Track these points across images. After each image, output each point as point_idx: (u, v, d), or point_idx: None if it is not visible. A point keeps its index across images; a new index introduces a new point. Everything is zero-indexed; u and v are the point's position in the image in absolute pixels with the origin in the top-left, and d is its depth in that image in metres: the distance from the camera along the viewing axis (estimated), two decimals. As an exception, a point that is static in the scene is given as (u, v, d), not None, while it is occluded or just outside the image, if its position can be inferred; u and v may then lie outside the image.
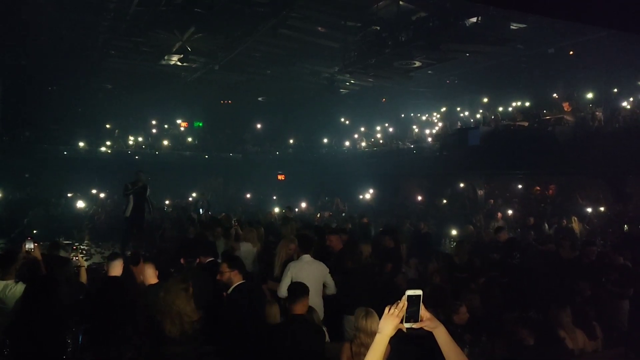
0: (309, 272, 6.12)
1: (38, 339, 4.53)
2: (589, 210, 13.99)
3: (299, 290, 4.76)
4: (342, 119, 27.25)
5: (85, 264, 7.04)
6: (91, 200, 18.83)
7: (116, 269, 5.79)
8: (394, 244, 8.91)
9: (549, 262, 8.39)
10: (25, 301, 4.76)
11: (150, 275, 5.57)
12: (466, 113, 22.50)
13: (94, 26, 15.28)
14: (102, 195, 19.30)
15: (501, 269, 8.21)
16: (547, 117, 16.61)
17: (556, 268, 7.83)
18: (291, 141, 27.77)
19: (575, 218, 12.89)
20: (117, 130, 24.53)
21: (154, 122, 25.77)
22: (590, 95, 16.34)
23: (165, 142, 24.90)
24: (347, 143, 25.86)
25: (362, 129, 25.99)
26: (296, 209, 17.23)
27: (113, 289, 4.94)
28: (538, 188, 17.45)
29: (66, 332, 4.81)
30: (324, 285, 6.26)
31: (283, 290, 5.96)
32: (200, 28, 14.53)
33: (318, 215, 16.29)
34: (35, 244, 6.10)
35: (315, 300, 6.03)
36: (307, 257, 6.28)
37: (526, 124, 16.44)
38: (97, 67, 18.95)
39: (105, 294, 4.93)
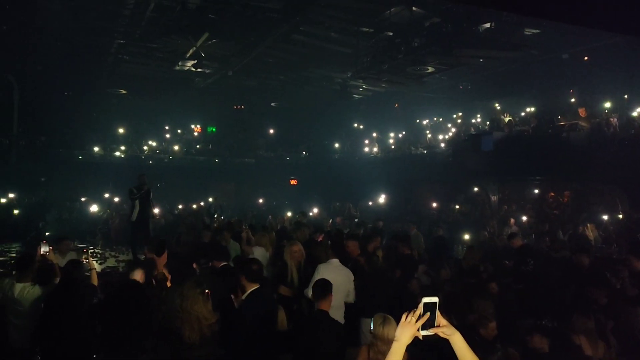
0: (337, 276, 6.15)
1: (64, 340, 4.60)
2: (605, 217, 13.84)
3: (326, 286, 4.91)
4: (355, 125, 27.25)
5: (97, 266, 7.12)
6: (105, 204, 18.99)
7: (137, 276, 5.86)
8: (408, 250, 8.88)
9: (563, 269, 8.31)
10: (50, 303, 4.84)
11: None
12: (479, 118, 22.39)
13: (109, 32, 15.47)
14: (116, 199, 19.45)
15: (515, 275, 8.15)
16: (562, 123, 16.48)
17: (571, 275, 7.75)
18: (297, 145, 27.83)
19: (590, 225, 12.75)
20: (131, 135, 24.71)
21: (167, 127, 25.96)
22: (606, 102, 16.19)
23: (179, 147, 25.05)
24: (361, 148, 25.83)
25: (374, 134, 25.97)
26: (310, 214, 17.24)
27: (129, 292, 4.98)
28: (552, 194, 17.29)
29: (89, 332, 4.90)
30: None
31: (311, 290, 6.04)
32: (214, 34, 14.63)
33: (330, 221, 16.29)
34: (50, 248, 6.19)
35: (337, 304, 6.08)
36: (336, 262, 6.39)
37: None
38: (111, 73, 19.15)
39: (122, 297, 4.96)
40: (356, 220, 17.06)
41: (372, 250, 8.63)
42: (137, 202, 11.98)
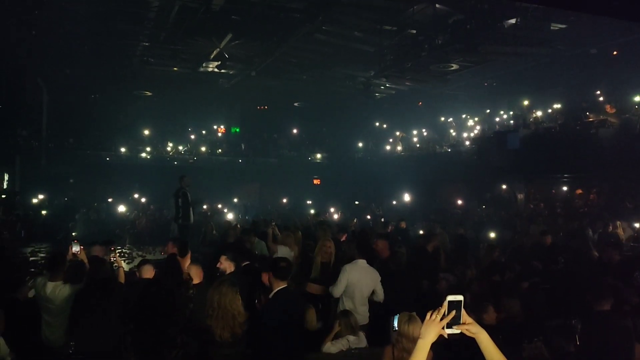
0: (363, 276, 6.21)
1: (95, 337, 4.73)
2: (636, 215, 13.53)
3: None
4: (378, 123, 27.17)
5: (124, 265, 7.26)
6: (132, 204, 19.29)
7: (148, 273, 5.99)
8: (433, 249, 8.84)
9: (593, 268, 8.17)
10: (79, 301, 4.97)
11: (195, 275, 5.71)
12: (505, 116, 22.12)
13: (134, 35, 15.72)
14: (143, 200, 19.74)
15: (544, 274, 8.05)
16: (590, 119, 16.18)
17: (600, 274, 7.61)
18: (320, 144, 27.86)
19: (620, 223, 12.50)
20: (156, 136, 25.04)
21: (191, 128, 26.24)
22: (636, 97, 15.84)
23: (203, 148, 25.30)
24: (384, 147, 25.74)
25: (398, 133, 25.86)
26: (335, 215, 17.25)
27: (158, 290, 5.08)
28: (581, 192, 17.00)
29: (120, 329, 5.02)
30: (373, 292, 6.29)
31: (338, 291, 6.11)
32: (237, 35, 14.76)
33: (355, 221, 16.27)
34: (81, 247, 6.33)
35: (362, 307, 6.14)
36: (362, 262, 6.34)
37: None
38: (137, 75, 19.44)
39: (151, 295, 5.07)
40: (382, 219, 17.00)
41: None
42: (185, 203, 12.28)
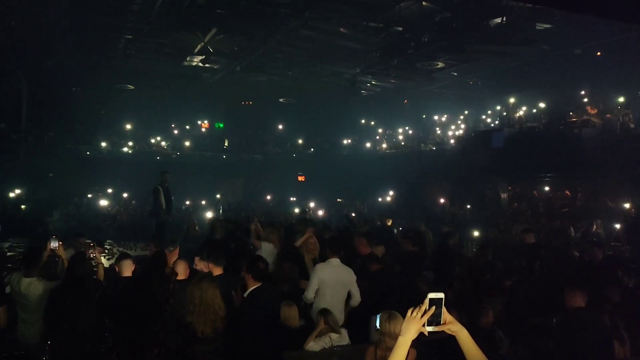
0: (336, 276, 6.07)
1: (72, 335, 4.67)
2: (617, 214, 13.73)
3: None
4: (363, 120, 27.21)
5: (104, 261, 7.19)
6: (113, 199, 19.10)
7: (127, 268, 5.93)
8: (415, 247, 8.84)
9: (575, 267, 8.27)
10: (54, 298, 4.91)
11: (181, 272, 5.64)
12: (490, 115, 22.28)
13: (117, 28, 15.51)
14: (124, 195, 19.56)
15: (526, 273, 8.13)
16: (574, 119, 16.36)
17: (582, 273, 7.71)
18: (305, 141, 27.85)
19: (600, 222, 12.67)
20: (138, 131, 24.82)
21: (175, 123, 26.06)
22: (619, 98, 16.05)
23: (187, 143, 25.15)
24: (368, 144, 25.79)
25: (380, 130, 25.92)
26: (320, 212, 17.24)
27: (139, 286, 5.04)
28: (567, 192, 17.19)
29: (98, 327, 4.97)
30: (349, 294, 6.17)
31: (309, 295, 5.98)
32: (222, 29, 14.64)
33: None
34: (60, 243, 6.24)
35: (337, 306, 6.02)
36: (335, 261, 6.19)
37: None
38: (119, 68, 19.23)
39: (132, 292, 5.02)
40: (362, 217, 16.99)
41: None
42: (163, 200, 12.33)
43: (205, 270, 6.02)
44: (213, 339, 4.62)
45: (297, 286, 6.62)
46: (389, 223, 13.21)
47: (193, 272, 6.00)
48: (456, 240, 8.89)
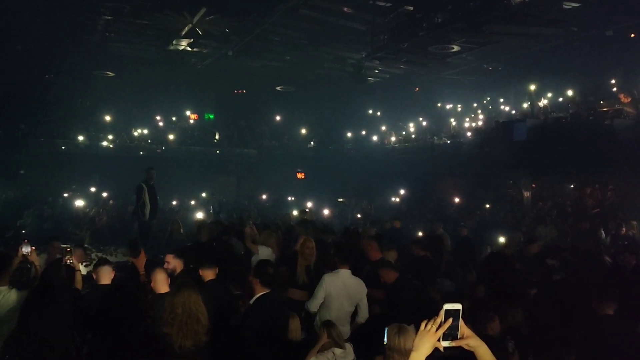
0: (345, 290, 6.08)
1: (44, 350, 4.66)
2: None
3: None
4: (370, 111, 27.18)
5: (82, 268, 7.18)
6: (91, 199, 19.10)
7: (106, 275, 5.93)
8: (426, 252, 8.84)
9: (605, 274, 8.26)
10: (29, 309, 4.89)
11: (161, 282, 5.60)
12: (511, 104, 22.26)
13: (95, 7, 15.50)
14: (104, 194, 19.57)
15: (544, 282, 8.12)
16: (605, 109, 16.33)
17: (614, 280, 7.70)
18: (305, 134, 27.85)
19: (636, 224, 12.66)
20: (119, 123, 24.81)
21: (160, 114, 26.05)
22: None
23: (173, 136, 25.15)
24: (374, 138, 25.77)
25: (389, 122, 25.90)
26: (325, 211, 17.29)
27: (118, 297, 5.03)
28: (593, 189, 17.17)
29: (72, 339, 4.94)
30: (357, 307, 6.19)
31: (314, 306, 6.00)
32: (212, 9, 14.63)
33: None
34: (33, 248, 6.22)
35: (343, 318, 6.02)
36: (345, 272, 6.18)
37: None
38: (98, 53, 19.21)
39: (110, 302, 5.01)
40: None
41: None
42: (147, 199, 12.36)
43: (178, 269, 6.18)
44: (193, 353, 4.57)
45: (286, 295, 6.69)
46: (398, 225, 13.24)
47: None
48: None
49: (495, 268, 8.23)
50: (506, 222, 15.48)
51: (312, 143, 27.89)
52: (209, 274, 5.93)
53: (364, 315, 6.18)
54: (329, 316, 5.89)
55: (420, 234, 13.09)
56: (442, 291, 7.89)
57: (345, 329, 6.03)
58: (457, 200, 19.38)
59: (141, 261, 6.27)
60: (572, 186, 18.06)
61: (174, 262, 6.28)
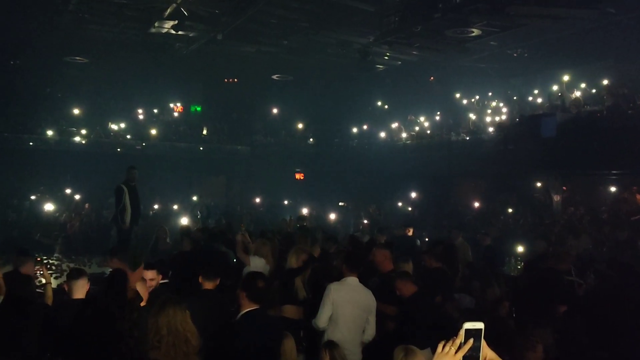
0: (354, 299, 6.12)
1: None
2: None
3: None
4: (378, 103, 27.18)
5: (52, 281, 7.20)
6: (62, 202, 19.11)
7: (80, 289, 5.93)
8: (440, 263, 8.84)
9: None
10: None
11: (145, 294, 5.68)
12: (538, 96, 22.23)
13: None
14: (76, 197, 19.57)
15: (585, 295, 8.12)
16: (646, 102, 16.34)
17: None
18: (304, 129, 27.86)
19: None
20: (94, 116, 24.79)
21: (140, 106, 26.02)
22: None
23: (155, 131, 25.15)
24: (383, 134, 25.77)
25: (394, 117, 25.89)
26: (332, 216, 17.33)
27: (95, 312, 5.03)
28: (632, 192, 17.18)
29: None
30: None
31: (323, 320, 6.02)
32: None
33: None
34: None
35: (353, 337, 6.05)
36: (353, 280, 6.25)
37: None
38: (70, 37, 19.19)
39: (85, 319, 5.01)
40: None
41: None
42: (128, 203, 12.38)
43: (155, 282, 6.31)
44: None
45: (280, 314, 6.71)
46: (410, 232, 13.25)
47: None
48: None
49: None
50: (533, 230, 15.47)
51: (312, 139, 27.86)
52: (207, 284, 6.09)
53: (371, 332, 6.21)
54: (339, 332, 5.96)
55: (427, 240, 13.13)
56: (461, 308, 7.90)
57: (357, 348, 6.07)
58: (476, 204, 19.38)
59: (137, 276, 6.23)
60: (609, 189, 18.04)
61: (149, 275, 6.33)
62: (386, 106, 27.00)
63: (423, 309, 6.48)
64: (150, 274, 6.39)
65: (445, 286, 8.38)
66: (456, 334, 2.31)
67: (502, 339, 5.71)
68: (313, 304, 6.56)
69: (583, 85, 19.85)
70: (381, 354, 6.00)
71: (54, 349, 5.22)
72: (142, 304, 5.67)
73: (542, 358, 5.50)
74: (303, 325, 6.69)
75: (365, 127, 27.07)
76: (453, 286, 8.86)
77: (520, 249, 13.10)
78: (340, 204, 22.22)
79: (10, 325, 5.01)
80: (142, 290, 5.86)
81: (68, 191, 20.10)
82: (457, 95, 25.10)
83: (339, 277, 6.48)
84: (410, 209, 20.93)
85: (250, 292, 5.21)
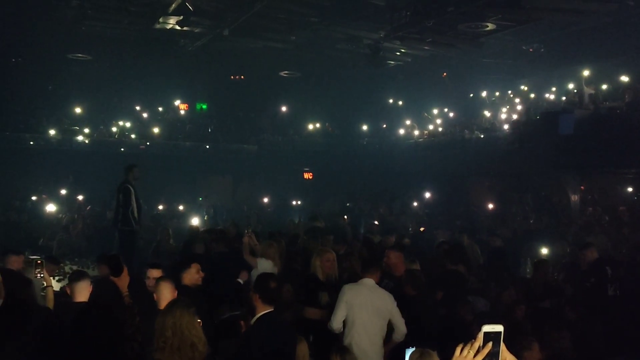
0: (370, 300, 6.14)
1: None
2: None
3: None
4: (390, 100, 27.15)
5: (54, 283, 7.21)
6: (64, 203, 19.18)
7: (82, 291, 5.93)
8: (455, 265, 8.82)
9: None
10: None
11: (166, 297, 5.55)
12: (555, 92, 22.16)
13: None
14: (79, 197, 19.63)
15: (599, 299, 8.09)
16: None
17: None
18: (313, 127, 27.84)
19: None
20: (97, 115, 24.87)
21: (144, 104, 26.11)
22: None
23: (159, 130, 25.21)
24: (402, 131, 25.70)
25: (406, 114, 25.85)
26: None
27: (98, 316, 5.03)
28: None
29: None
30: (390, 325, 6.24)
31: (337, 322, 6.08)
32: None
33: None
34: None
35: (372, 341, 6.08)
36: (369, 281, 6.31)
37: None
38: (72, 34, 19.26)
39: (88, 322, 5.01)
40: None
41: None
42: (134, 202, 12.36)
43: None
44: None
45: (300, 314, 6.71)
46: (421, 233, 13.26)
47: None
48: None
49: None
50: (550, 231, 15.41)
51: (321, 138, 27.82)
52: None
53: (401, 331, 6.24)
54: (356, 335, 6.02)
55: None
56: (476, 311, 7.87)
57: (378, 354, 6.08)
58: (490, 205, 19.32)
59: (124, 281, 6.18)
60: (628, 189, 17.96)
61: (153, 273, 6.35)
62: (400, 102, 26.93)
63: (427, 310, 6.52)
64: (155, 273, 6.37)
65: (461, 289, 8.38)
66: (463, 336, 2.30)
67: (518, 342, 5.72)
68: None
69: (601, 81, 19.77)
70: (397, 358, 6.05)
71: (56, 352, 5.23)
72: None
73: (540, 357, 5.52)
74: (318, 327, 6.71)
75: (377, 124, 27.04)
76: (467, 288, 8.84)
77: (544, 250, 13.02)
78: (347, 204, 22.21)
79: (10, 329, 5.01)
80: (169, 291, 5.78)
81: (70, 191, 20.17)
82: (471, 93, 25.06)
83: (349, 279, 6.49)
84: (421, 204, 20.86)
85: (264, 293, 5.21)
